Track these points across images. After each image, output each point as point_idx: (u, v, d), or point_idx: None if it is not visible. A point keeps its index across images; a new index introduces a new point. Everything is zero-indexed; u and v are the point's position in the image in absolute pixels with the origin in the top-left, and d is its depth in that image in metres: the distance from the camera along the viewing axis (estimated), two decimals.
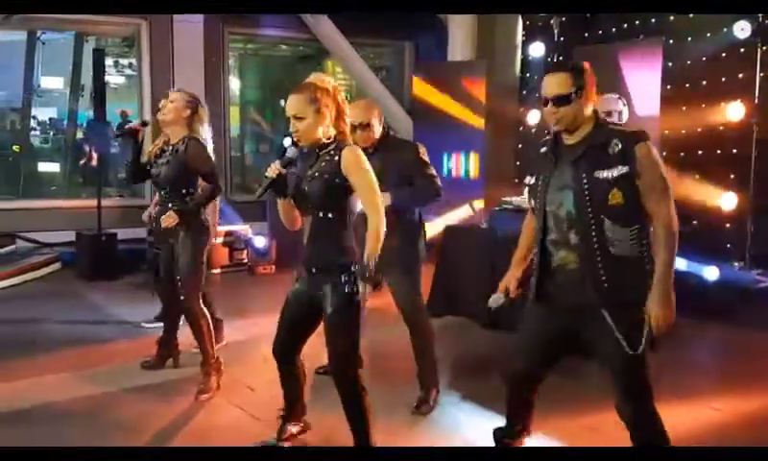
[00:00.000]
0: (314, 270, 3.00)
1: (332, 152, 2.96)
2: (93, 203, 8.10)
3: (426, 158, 3.93)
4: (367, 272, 2.85)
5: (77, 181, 12.78)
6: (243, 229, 7.98)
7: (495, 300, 2.99)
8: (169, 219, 4.06)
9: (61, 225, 8.38)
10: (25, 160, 12.73)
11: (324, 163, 2.96)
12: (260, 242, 7.83)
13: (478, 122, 8.16)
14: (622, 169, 2.60)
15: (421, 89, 8.76)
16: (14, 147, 13.68)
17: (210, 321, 4.23)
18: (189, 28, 8.90)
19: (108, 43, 12.64)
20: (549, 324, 2.83)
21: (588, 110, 2.71)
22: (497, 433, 3.17)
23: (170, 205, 4.14)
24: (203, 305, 4.20)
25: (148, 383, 4.32)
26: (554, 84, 2.69)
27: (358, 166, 2.90)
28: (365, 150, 3.35)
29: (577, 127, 2.71)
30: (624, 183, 2.60)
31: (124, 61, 16.80)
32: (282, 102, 11.65)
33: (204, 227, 4.23)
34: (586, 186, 2.63)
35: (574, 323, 2.76)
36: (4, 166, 12.79)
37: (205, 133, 4.27)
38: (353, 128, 3.53)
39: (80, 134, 13.47)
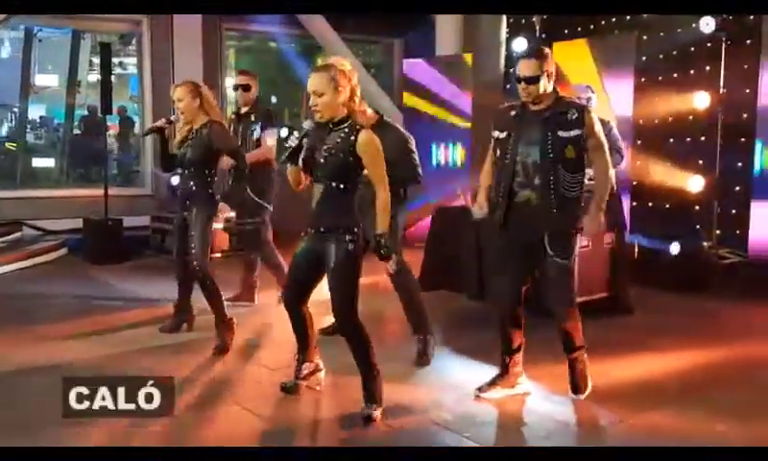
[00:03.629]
0: (321, 230, 3.42)
1: (347, 130, 3.36)
2: (95, 192, 8.47)
3: (412, 147, 4.47)
4: (382, 247, 3.37)
5: (74, 176, 13.05)
6: None
7: (477, 213, 3.88)
8: None
9: (64, 214, 8.73)
10: (21, 158, 12.97)
11: (339, 140, 3.35)
12: None
13: (465, 114, 8.61)
14: (577, 131, 3.55)
15: (411, 84, 9.20)
16: (10, 145, 13.93)
17: (216, 284, 4.65)
18: (188, 24, 9.26)
19: (99, 40, 12.90)
20: (513, 252, 3.69)
21: (550, 86, 3.60)
22: (503, 354, 3.84)
23: (191, 183, 4.58)
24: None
25: (167, 343, 4.73)
26: (526, 68, 3.56)
27: (373, 149, 3.33)
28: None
29: (542, 99, 3.60)
30: (576, 142, 3.55)
31: (114, 60, 17.08)
32: (274, 98, 12.13)
33: (214, 201, 4.65)
34: (549, 142, 3.54)
35: (528, 250, 3.66)
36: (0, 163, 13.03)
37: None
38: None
39: (77, 131, 13.77)
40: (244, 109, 5.67)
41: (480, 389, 3.81)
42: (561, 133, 3.53)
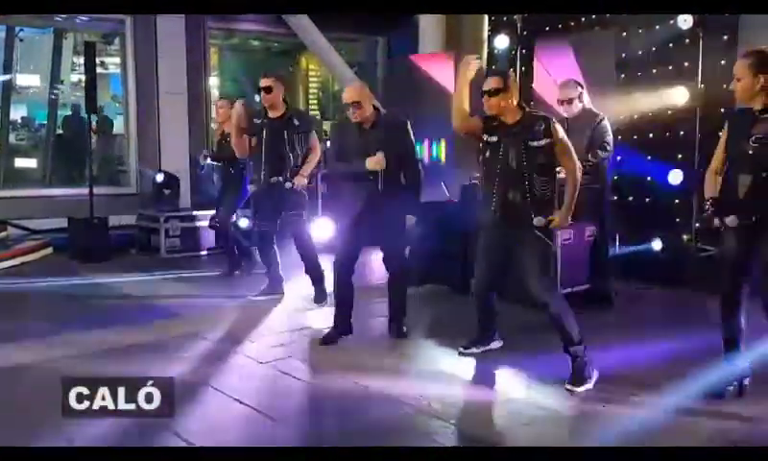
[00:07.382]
0: (753, 219, 3.44)
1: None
2: (80, 191, 8.48)
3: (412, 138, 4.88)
4: None
5: (58, 175, 12.96)
6: None
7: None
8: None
9: (49, 213, 8.73)
10: (4, 158, 12.86)
11: None
12: (244, 223, 8.26)
13: (447, 111, 8.67)
14: (545, 141, 3.95)
15: (394, 81, 9.28)
16: None
17: None
18: (172, 22, 9.28)
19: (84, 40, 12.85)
20: (498, 242, 4.13)
21: (515, 102, 4.00)
22: (480, 321, 4.42)
23: None
24: None
25: (153, 340, 4.82)
26: (489, 83, 4.01)
27: None
28: (360, 125, 4.38)
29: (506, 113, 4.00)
30: (545, 150, 3.96)
31: (96, 60, 16.98)
32: (257, 97, 12.14)
33: None
34: (524, 151, 3.96)
35: (513, 239, 4.05)
36: None
37: None
38: (347, 106, 4.43)
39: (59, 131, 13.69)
40: (271, 114, 5.59)
41: (464, 347, 4.42)
42: (532, 143, 3.94)
